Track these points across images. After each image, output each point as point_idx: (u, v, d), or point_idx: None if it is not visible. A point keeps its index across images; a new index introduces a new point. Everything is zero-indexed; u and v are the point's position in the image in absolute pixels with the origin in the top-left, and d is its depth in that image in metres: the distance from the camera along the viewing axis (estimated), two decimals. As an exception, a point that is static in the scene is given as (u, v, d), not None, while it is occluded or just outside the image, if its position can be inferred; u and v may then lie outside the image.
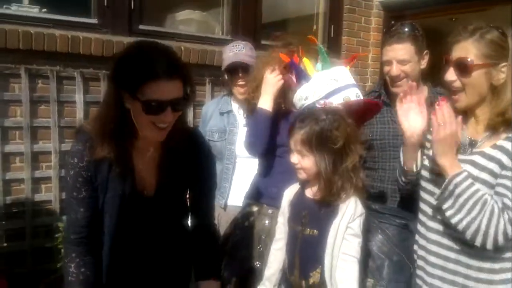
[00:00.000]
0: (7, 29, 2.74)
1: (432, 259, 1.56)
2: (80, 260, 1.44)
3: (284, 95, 1.94)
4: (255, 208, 2.01)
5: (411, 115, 1.61)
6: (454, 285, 1.50)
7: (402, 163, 1.72)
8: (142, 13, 3.32)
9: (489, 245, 1.38)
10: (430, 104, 1.95)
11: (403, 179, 1.72)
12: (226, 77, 2.45)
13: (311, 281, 1.57)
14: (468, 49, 1.43)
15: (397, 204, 2.03)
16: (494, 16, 3.94)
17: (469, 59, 1.42)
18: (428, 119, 1.56)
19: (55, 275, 2.68)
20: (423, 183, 1.62)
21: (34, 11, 3.04)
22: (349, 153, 1.54)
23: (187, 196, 1.63)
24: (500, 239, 1.37)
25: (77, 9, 3.15)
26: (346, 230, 1.53)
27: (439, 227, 1.54)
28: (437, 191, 1.47)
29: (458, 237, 1.46)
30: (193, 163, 1.55)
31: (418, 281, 1.64)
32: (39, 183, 2.98)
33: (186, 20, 3.90)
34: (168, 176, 1.50)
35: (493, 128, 1.44)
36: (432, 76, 2.23)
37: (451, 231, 1.49)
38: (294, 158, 1.59)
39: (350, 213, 1.54)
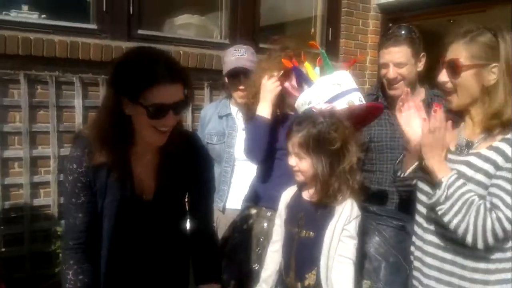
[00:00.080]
0: (7, 35, 2.76)
1: (429, 260, 1.56)
2: (78, 267, 1.43)
3: (282, 100, 1.95)
4: (253, 211, 2.01)
5: (413, 123, 1.61)
6: (450, 286, 1.50)
7: (397, 166, 1.73)
8: (141, 18, 3.34)
9: (480, 244, 1.39)
10: (428, 105, 1.97)
11: (397, 184, 1.74)
12: (226, 81, 2.46)
13: (306, 282, 1.58)
14: (459, 50, 1.45)
15: (394, 206, 2.04)
16: (493, 17, 3.95)
17: (458, 60, 1.44)
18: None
19: (54, 279, 2.69)
20: (420, 184, 1.62)
21: (33, 17, 3.06)
22: (346, 155, 1.55)
23: (186, 200, 1.64)
24: (490, 238, 1.37)
25: (76, 15, 3.17)
26: (342, 232, 1.53)
27: (435, 228, 1.54)
28: (432, 191, 1.49)
29: (454, 238, 1.47)
30: (192, 167, 1.55)
31: (415, 282, 1.64)
32: (37, 188, 2.99)
33: (184, 24, 3.91)
34: (166, 180, 1.50)
35: (488, 130, 1.45)
36: (429, 78, 2.24)
37: (447, 231, 1.49)
38: (292, 161, 1.60)
39: (346, 215, 1.55)
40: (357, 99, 1.77)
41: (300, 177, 1.62)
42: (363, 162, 2.16)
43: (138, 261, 1.52)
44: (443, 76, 1.50)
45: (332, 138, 1.53)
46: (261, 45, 3.53)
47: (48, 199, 3.01)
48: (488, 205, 1.38)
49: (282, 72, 1.90)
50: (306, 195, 1.65)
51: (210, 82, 3.52)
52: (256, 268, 1.87)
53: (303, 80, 1.82)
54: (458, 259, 1.48)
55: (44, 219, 3.00)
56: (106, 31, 3.18)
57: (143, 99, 1.30)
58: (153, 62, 1.32)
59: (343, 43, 4.41)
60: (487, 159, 1.42)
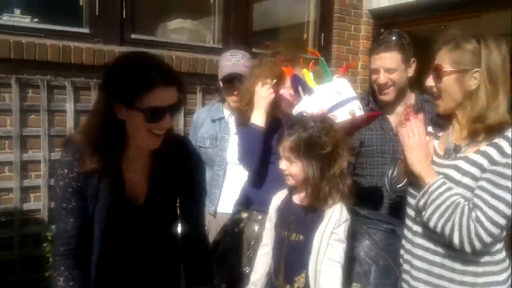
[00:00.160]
0: (-2, 39, 2.75)
1: (417, 263, 1.58)
2: (69, 273, 1.42)
3: (275, 105, 1.96)
4: (244, 215, 2.02)
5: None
6: (439, 289, 1.52)
7: (391, 175, 1.75)
8: (134, 22, 3.34)
9: (467, 247, 1.41)
10: (418, 110, 1.99)
11: (390, 193, 1.76)
12: (221, 85, 2.46)
13: (295, 285, 1.59)
14: (443, 56, 1.50)
15: (384, 210, 2.05)
16: (488, 22, 3.98)
17: (441, 66, 1.49)
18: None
19: (44, 284, 2.66)
20: (409, 189, 1.65)
21: (26, 21, 3.05)
22: (336, 159, 1.57)
23: (177, 204, 1.64)
24: (475, 240, 1.39)
25: (68, 19, 3.16)
26: (331, 236, 1.55)
27: (424, 231, 1.56)
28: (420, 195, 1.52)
29: (443, 241, 1.49)
30: (183, 171, 1.56)
31: (404, 285, 1.65)
32: (28, 192, 2.97)
33: (177, 29, 3.92)
34: (158, 184, 1.50)
35: (473, 134, 1.48)
36: (420, 84, 2.26)
37: (435, 235, 1.51)
38: (283, 165, 1.62)
39: (335, 218, 1.56)
40: (357, 108, 1.79)
41: (290, 181, 1.63)
42: (353, 166, 2.18)
43: (129, 266, 1.51)
44: (429, 81, 1.55)
45: (322, 142, 1.54)
46: (254, 50, 3.54)
47: (38, 203, 2.99)
48: (470, 205, 1.41)
49: (275, 79, 1.91)
50: (297, 199, 1.66)
51: (202, 87, 3.53)
52: (247, 271, 1.87)
53: (303, 88, 1.82)
54: (447, 262, 1.50)
55: (34, 224, 2.98)
56: (99, 35, 3.18)
57: (139, 103, 1.30)
58: (147, 66, 1.33)
59: (335, 48, 4.44)
60: (474, 163, 1.44)
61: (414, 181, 1.57)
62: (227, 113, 2.48)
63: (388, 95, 2.17)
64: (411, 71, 2.20)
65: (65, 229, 1.42)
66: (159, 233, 1.56)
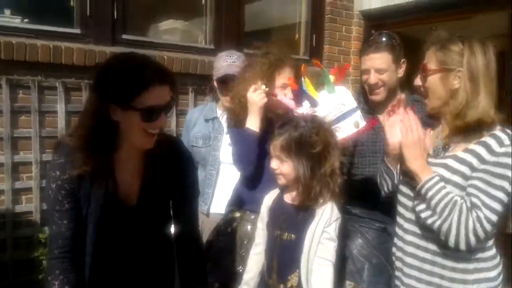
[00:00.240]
0: (-12, 40, 2.72)
1: (409, 260, 1.60)
2: (64, 277, 1.41)
3: (268, 108, 1.96)
4: (237, 214, 2.03)
5: (395, 128, 1.66)
6: (430, 285, 1.54)
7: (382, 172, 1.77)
8: (125, 23, 3.33)
9: (462, 245, 1.43)
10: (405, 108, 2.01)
11: (385, 188, 1.78)
12: (216, 85, 2.47)
13: (289, 284, 1.60)
14: (430, 57, 1.55)
15: (376, 209, 2.07)
16: (478, 23, 4.03)
17: (426, 65, 1.54)
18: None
19: (37, 287, 2.65)
20: (400, 187, 1.67)
21: (16, 22, 3.03)
22: (327, 158, 1.58)
23: (170, 205, 1.64)
24: (472, 238, 1.42)
25: (59, 19, 3.14)
26: (322, 234, 1.56)
27: (416, 229, 1.58)
28: (413, 194, 1.53)
29: (434, 238, 1.51)
30: (176, 171, 1.56)
31: (396, 282, 1.68)
32: (19, 194, 2.94)
33: (169, 29, 3.92)
34: (151, 185, 1.50)
35: (453, 131, 1.51)
36: (410, 84, 2.28)
37: (427, 232, 1.54)
38: (274, 164, 1.63)
39: (326, 217, 1.57)
40: (360, 118, 1.81)
41: (282, 180, 1.64)
42: (345, 166, 2.19)
43: (123, 266, 1.51)
44: (417, 81, 1.59)
45: (313, 142, 1.56)
46: (246, 51, 3.55)
47: (30, 205, 2.97)
48: (468, 204, 1.43)
49: (266, 80, 1.91)
50: (288, 198, 1.68)
51: (194, 87, 3.53)
52: (240, 270, 1.88)
53: (309, 101, 1.82)
54: (438, 259, 1.53)
55: (26, 226, 2.96)
56: (90, 35, 3.16)
57: (135, 103, 1.31)
58: (141, 66, 1.34)
59: (327, 49, 4.47)
60: (463, 161, 1.47)
61: (407, 179, 1.59)
62: (220, 113, 2.49)
63: (379, 95, 2.19)
64: (401, 72, 2.22)
65: (59, 232, 1.41)
66: (152, 234, 1.56)
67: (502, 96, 3.38)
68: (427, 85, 1.56)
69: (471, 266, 1.50)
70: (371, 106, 2.27)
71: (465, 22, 4.03)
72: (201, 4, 3.89)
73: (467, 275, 1.50)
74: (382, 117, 2.25)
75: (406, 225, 1.62)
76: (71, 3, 3.15)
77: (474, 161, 1.45)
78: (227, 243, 1.99)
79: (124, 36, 3.31)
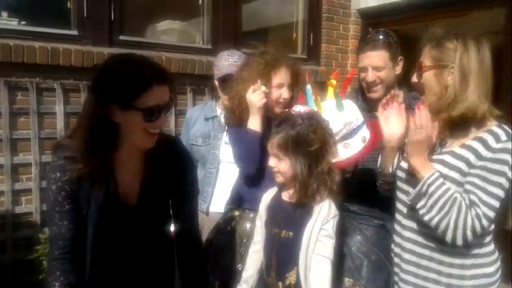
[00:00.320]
0: (-14, 42, 2.73)
1: (407, 256, 1.61)
2: (65, 278, 1.41)
3: (267, 108, 1.97)
4: (236, 213, 2.04)
5: (391, 120, 1.69)
6: (428, 281, 1.55)
7: (379, 164, 1.78)
8: (123, 24, 3.33)
9: (459, 241, 1.44)
10: (406, 108, 2.02)
11: (380, 181, 1.79)
12: (216, 84, 2.47)
13: (287, 282, 1.61)
14: (425, 54, 1.57)
15: (375, 205, 2.07)
16: (473, 21, 4.04)
17: (421, 62, 1.56)
18: (407, 124, 1.64)
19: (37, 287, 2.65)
20: (399, 183, 1.67)
21: (13, 24, 3.03)
22: (324, 156, 1.59)
23: (170, 204, 1.64)
24: (469, 235, 1.43)
25: (56, 21, 3.15)
26: (320, 232, 1.57)
27: (414, 225, 1.59)
28: (411, 190, 1.54)
29: (432, 234, 1.52)
30: (175, 171, 1.56)
31: (395, 278, 1.69)
32: (19, 195, 2.95)
33: (166, 30, 3.92)
34: (151, 184, 1.51)
35: (444, 126, 1.53)
36: (407, 81, 2.29)
37: (425, 229, 1.54)
38: (271, 162, 1.64)
39: (324, 214, 1.58)
40: (366, 132, 1.83)
41: (279, 178, 1.65)
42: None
43: (123, 266, 1.51)
44: (414, 77, 1.61)
45: (310, 140, 1.57)
46: (244, 50, 3.55)
47: (30, 206, 2.97)
48: (467, 202, 1.44)
49: (263, 79, 1.92)
50: (286, 196, 1.68)
51: (192, 87, 3.53)
52: (240, 268, 1.89)
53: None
54: (435, 255, 1.53)
55: (26, 227, 2.96)
56: (87, 37, 3.16)
57: (137, 103, 1.32)
58: (141, 67, 1.35)
59: (324, 47, 4.47)
60: (460, 157, 1.48)
61: (405, 175, 1.60)
62: (220, 111, 2.49)
63: (377, 93, 2.21)
64: (398, 69, 2.23)
65: (60, 233, 1.41)
66: (153, 233, 1.56)
67: (500, 93, 3.41)
68: (422, 81, 1.57)
69: (468, 261, 1.51)
70: (369, 104, 2.27)
71: (460, 20, 4.05)
72: (198, 4, 3.89)
73: (464, 271, 1.51)
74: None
75: (404, 221, 1.63)
76: (68, 5, 3.16)
77: (471, 157, 1.46)
78: (226, 242, 1.99)
79: (122, 37, 3.31)
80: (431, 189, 1.46)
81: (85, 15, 3.14)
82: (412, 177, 1.55)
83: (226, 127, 2.17)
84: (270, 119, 1.97)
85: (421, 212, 1.50)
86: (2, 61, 2.77)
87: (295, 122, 1.59)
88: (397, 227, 1.68)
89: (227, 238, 1.99)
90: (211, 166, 2.47)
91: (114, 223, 1.46)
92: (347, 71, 4.59)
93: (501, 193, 1.43)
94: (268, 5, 4.80)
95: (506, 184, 1.43)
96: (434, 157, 1.55)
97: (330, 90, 1.93)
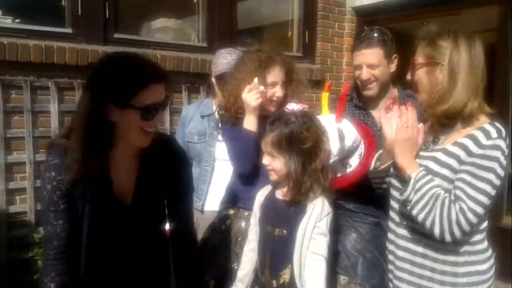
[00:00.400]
0: (-21, 40, 2.71)
1: (401, 253, 1.61)
2: (60, 279, 1.41)
3: (263, 107, 1.97)
4: (231, 212, 2.03)
5: (392, 124, 1.67)
6: (422, 278, 1.56)
7: (373, 163, 1.79)
8: (117, 22, 3.32)
9: (447, 237, 1.45)
10: (399, 105, 2.03)
11: (372, 177, 1.80)
12: (214, 81, 2.47)
13: (281, 280, 1.61)
14: (418, 51, 1.58)
15: (369, 203, 2.08)
16: (467, 18, 4.06)
17: (415, 59, 1.57)
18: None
19: (32, 287, 2.64)
20: (392, 180, 1.68)
21: (7, 22, 3.02)
22: (318, 154, 1.59)
23: (165, 203, 1.64)
24: (456, 230, 1.43)
25: (51, 19, 3.14)
26: (314, 229, 1.57)
27: (407, 222, 1.60)
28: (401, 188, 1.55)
29: (424, 232, 1.53)
30: (170, 169, 1.56)
31: (389, 275, 1.69)
32: (13, 194, 2.93)
33: (161, 28, 3.91)
34: (146, 183, 1.50)
35: (433, 122, 1.54)
36: (402, 79, 2.30)
37: (417, 226, 1.55)
38: (265, 160, 1.64)
39: (317, 212, 1.58)
40: (362, 148, 1.83)
41: (273, 176, 1.65)
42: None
43: (118, 265, 1.51)
44: (409, 75, 1.62)
45: (304, 137, 1.57)
46: (239, 48, 3.55)
47: (25, 205, 2.96)
48: (452, 197, 1.45)
49: (258, 77, 1.92)
50: (280, 194, 1.68)
51: (188, 85, 3.53)
52: (235, 267, 1.89)
53: None
54: (429, 252, 1.54)
55: (20, 226, 2.95)
56: (82, 35, 3.15)
57: (134, 102, 1.31)
58: (137, 65, 1.34)
59: (319, 45, 4.48)
60: (451, 155, 1.49)
61: (397, 173, 1.61)
62: (215, 109, 2.49)
63: (371, 90, 2.21)
64: (393, 67, 2.24)
65: (54, 233, 1.40)
66: (148, 232, 1.56)
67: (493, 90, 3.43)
68: (415, 79, 1.58)
69: (461, 259, 1.51)
70: (364, 101, 2.28)
71: (455, 17, 4.07)
72: (193, 2, 3.89)
73: (457, 268, 1.51)
74: (375, 113, 2.27)
75: (398, 219, 1.64)
76: (62, 3, 3.14)
77: (462, 154, 1.47)
78: (221, 241, 1.99)
79: (116, 35, 3.30)
80: (416, 187, 1.48)
81: (79, 13, 3.13)
82: (400, 174, 1.56)
83: (221, 124, 2.16)
84: (264, 117, 1.97)
85: (408, 208, 1.51)
86: (-4, 60, 2.76)
87: (288, 120, 1.59)
88: (391, 225, 1.69)
89: (222, 237, 1.99)
90: (206, 163, 2.46)
91: (109, 222, 1.46)
92: (342, 70, 4.60)
93: (489, 188, 1.43)
94: (264, 3, 4.81)
95: (495, 180, 1.43)
96: (427, 154, 1.56)
97: (324, 104, 1.94)
